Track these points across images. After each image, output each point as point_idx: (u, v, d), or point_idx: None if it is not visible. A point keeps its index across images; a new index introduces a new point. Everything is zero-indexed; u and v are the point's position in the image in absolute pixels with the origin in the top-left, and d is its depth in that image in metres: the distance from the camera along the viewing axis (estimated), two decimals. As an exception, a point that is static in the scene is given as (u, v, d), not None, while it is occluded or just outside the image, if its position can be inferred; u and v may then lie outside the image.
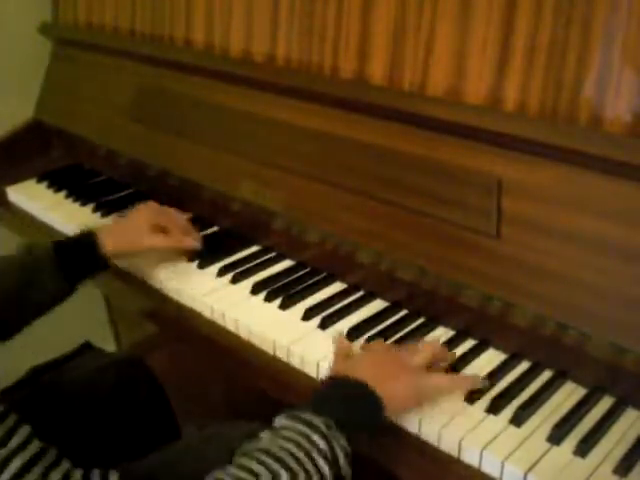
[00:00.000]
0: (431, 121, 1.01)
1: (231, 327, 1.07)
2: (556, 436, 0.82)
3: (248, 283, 1.14)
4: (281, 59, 1.24)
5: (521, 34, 0.93)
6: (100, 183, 1.59)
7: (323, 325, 1.03)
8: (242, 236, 1.29)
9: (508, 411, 0.86)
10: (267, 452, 0.73)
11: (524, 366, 0.95)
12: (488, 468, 0.81)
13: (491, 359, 0.97)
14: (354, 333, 1.01)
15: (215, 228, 1.35)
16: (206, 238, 1.30)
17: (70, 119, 1.63)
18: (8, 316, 1.04)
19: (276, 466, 0.71)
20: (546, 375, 0.94)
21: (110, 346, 2.06)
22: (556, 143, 0.89)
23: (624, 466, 0.78)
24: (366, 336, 1.00)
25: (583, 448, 0.81)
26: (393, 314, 1.06)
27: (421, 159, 1.02)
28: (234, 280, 1.15)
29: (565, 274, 0.88)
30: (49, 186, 1.56)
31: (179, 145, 1.38)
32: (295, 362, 0.98)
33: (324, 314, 1.05)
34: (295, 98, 1.19)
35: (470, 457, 0.82)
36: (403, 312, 1.07)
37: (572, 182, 0.89)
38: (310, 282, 1.14)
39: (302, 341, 1.00)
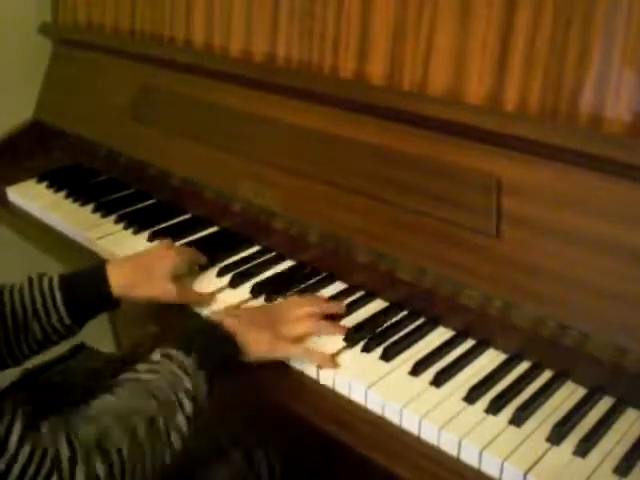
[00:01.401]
0: (431, 121, 1.01)
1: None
2: (556, 436, 0.82)
3: (248, 284, 1.14)
4: (281, 59, 1.24)
5: (521, 34, 0.93)
6: (100, 183, 1.59)
7: (323, 325, 1.03)
8: (242, 236, 1.29)
9: (508, 411, 0.86)
10: (139, 381, 0.84)
11: (524, 366, 0.95)
12: (488, 468, 0.81)
13: (491, 359, 0.97)
14: (354, 333, 1.01)
15: (215, 228, 1.35)
16: (206, 238, 1.31)
17: (70, 119, 1.63)
18: (8, 347, 0.99)
19: (145, 397, 0.82)
20: (546, 375, 0.94)
21: (109, 346, 2.06)
22: (556, 143, 0.89)
23: (624, 466, 0.78)
24: (366, 337, 1.00)
25: (583, 448, 0.81)
26: (393, 314, 1.06)
27: (421, 159, 1.02)
28: (233, 281, 1.15)
29: (565, 274, 0.88)
30: (49, 186, 1.56)
31: (179, 145, 1.38)
32: (296, 363, 0.98)
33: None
34: (295, 98, 1.19)
35: (470, 457, 0.82)
36: (403, 312, 1.07)
37: (572, 182, 0.89)
38: (310, 282, 1.14)
39: (301, 341, 1.00)
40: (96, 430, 0.78)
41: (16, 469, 0.71)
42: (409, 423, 0.87)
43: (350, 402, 0.92)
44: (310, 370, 0.96)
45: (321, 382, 0.95)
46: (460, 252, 0.97)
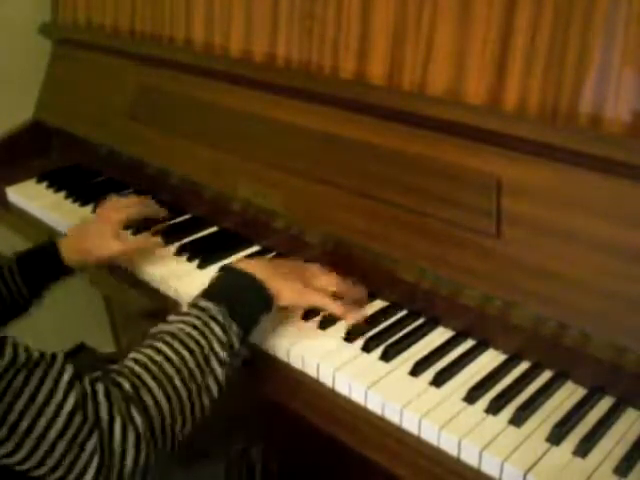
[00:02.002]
0: (431, 121, 1.01)
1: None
2: (556, 436, 0.82)
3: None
4: (281, 59, 1.24)
5: (521, 34, 0.93)
6: (100, 183, 1.59)
7: (323, 325, 1.03)
8: (242, 236, 1.29)
9: (508, 411, 0.86)
10: (171, 334, 0.86)
11: (524, 366, 0.95)
12: (488, 468, 0.81)
13: (491, 359, 0.97)
14: (354, 333, 1.01)
15: (215, 228, 1.35)
16: (206, 238, 1.31)
17: (70, 119, 1.63)
18: None
19: (178, 347, 0.84)
20: (546, 375, 0.94)
21: (109, 346, 2.06)
22: (556, 143, 0.89)
23: (624, 466, 0.78)
24: (366, 337, 1.00)
25: (583, 448, 0.81)
26: (393, 314, 1.06)
27: (421, 159, 1.02)
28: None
29: (565, 274, 0.88)
30: (49, 186, 1.56)
31: (179, 145, 1.38)
32: (296, 363, 0.98)
33: (324, 314, 1.05)
34: (295, 98, 1.19)
35: (470, 457, 0.82)
36: (403, 312, 1.07)
37: (572, 182, 0.89)
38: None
39: (302, 341, 1.00)
40: (132, 384, 0.80)
41: (59, 422, 0.73)
42: (409, 423, 0.87)
43: (350, 402, 0.92)
44: (310, 369, 0.96)
45: (321, 381, 0.95)
46: (460, 252, 0.97)
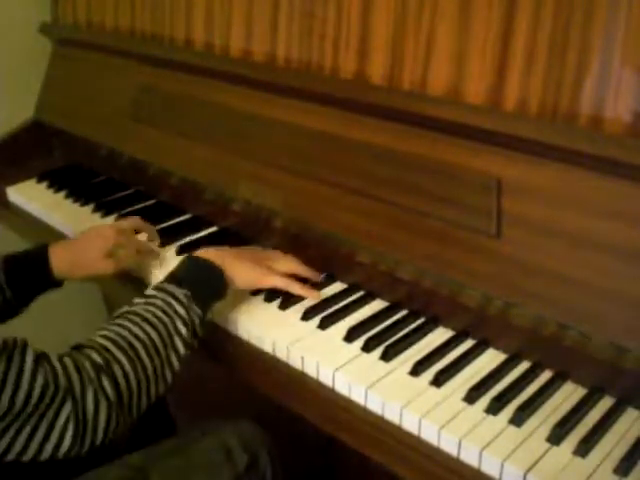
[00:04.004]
0: (431, 121, 1.01)
1: (231, 328, 1.06)
2: (556, 436, 0.82)
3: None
4: (281, 59, 1.24)
5: (521, 34, 0.93)
6: (100, 183, 1.59)
7: (322, 325, 1.03)
8: (242, 236, 1.29)
9: (508, 411, 0.86)
10: (137, 314, 0.91)
11: (524, 366, 0.95)
12: (488, 468, 0.81)
13: (491, 359, 0.97)
14: (354, 333, 1.01)
15: (215, 228, 1.35)
16: (206, 238, 1.30)
17: (70, 119, 1.63)
18: None
19: (144, 324, 0.90)
20: (546, 375, 0.94)
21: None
22: (556, 143, 0.89)
23: (624, 466, 0.78)
24: (366, 336, 1.00)
25: (583, 448, 0.81)
26: (393, 314, 1.06)
27: (421, 159, 1.02)
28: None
29: (565, 274, 0.88)
30: (49, 186, 1.56)
31: (179, 145, 1.38)
32: (296, 363, 0.98)
33: (324, 314, 1.05)
34: (295, 98, 1.19)
35: (470, 457, 0.82)
36: (403, 312, 1.07)
37: (572, 182, 0.89)
38: (310, 282, 1.14)
39: (302, 341, 1.00)
40: (102, 357, 0.84)
41: (34, 398, 0.76)
42: (409, 423, 0.87)
43: (350, 402, 0.92)
44: (310, 370, 0.96)
45: (321, 382, 0.95)
46: (460, 252, 0.97)
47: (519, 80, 0.94)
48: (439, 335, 1.02)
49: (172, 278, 0.98)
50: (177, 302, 0.94)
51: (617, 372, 0.87)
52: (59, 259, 1.11)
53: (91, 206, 1.45)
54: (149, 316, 0.91)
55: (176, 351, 0.91)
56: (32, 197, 1.52)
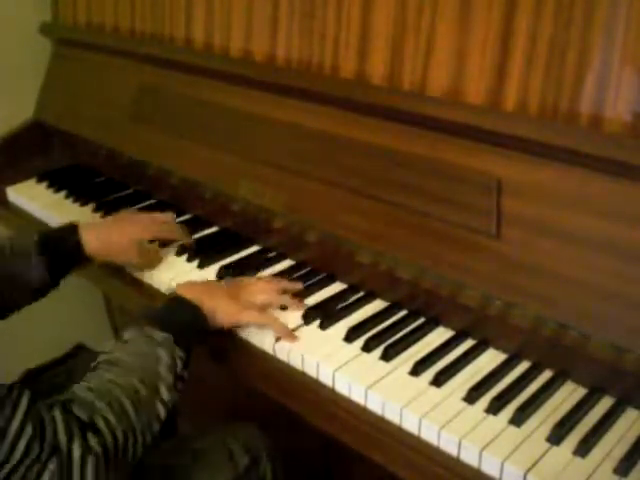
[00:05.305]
0: (431, 121, 1.01)
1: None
2: (556, 436, 0.82)
3: (248, 283, 1.14)
4: (281, 59, 1.24)
5: (521, 34, 0.93)
6: (100, 183, 1.59)
7: (322, 325, 1.03)
8: (242, 236, 1.29)
9: (508, 411, 0.86)
10: (121, 363, 0.87)
11: (524, 366, 0.95)
12: (488, 468, 0.81)
13: (491, 359, 0.97)
14: (354, 333, 1.01)
15: (215, 228, 1.35)
16: (206, 238, 1.30)
17: (70, 119, 1.63)
18: None
19: (128, 376, 0.86)
20: (546, 375, 0.94)
21: (110, 346, 2.06)
22: (556, 143, 0.89)
23: (624, 466, 0.78)
24: (366, 336, 1.00)
25: (583, 448, 0.81)
26: (393, 314, 1.06)
27: (421, 159, 1.02)
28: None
29: (565, 274, 0.88)
30: (49, 186, 1.56)
31: (179, 145, 1.38)
32: (296, 363, 0.98)
33: (324, 314, 1.05)
34: (295, 98, 1.19)
35: (470, 457, 0.82)
36: (403, 312, 1.07)
37: (572, 182, 0.89)
38: (310, 282, 1.14)
39: (301, 341, 1.00)
40: (87, 413, 0.81)
41: (17, 453, 0.73)
42: (409, 423, 0.87)
43: (350, 402, 0.92)
44: (310, 370, 0.96)
45: (321, 382, 0.95)
46: (460, 252, 0.97)
47: (519, 80, 0.94)
48: (439, 335, 1.02)
49: (152, 319, 0.95)
50: (160, 347, 0.90)
51: (617, 372, 0.87)
52: (91, 238, 1.12)
53: (91, 206, 1.45)
54: (132, 364, 0.88)
55: (161, 399, 0.88)
56: (32, 197, 1.52)
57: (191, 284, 1.05)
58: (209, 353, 1.07)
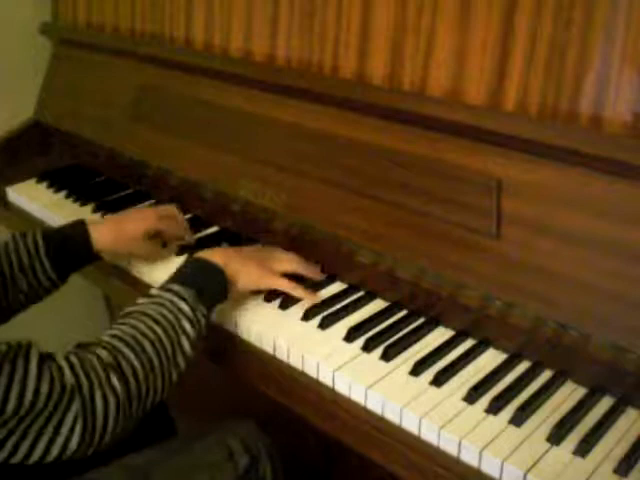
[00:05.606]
0: (431, 121, 1.01)
1: (231, 328, 1.06)
2: (556, 436, 0.82)
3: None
4: (281, 59, 1.24)
5: (521, 34, 0.93)
6: (100, 183, 1.59)
7: (323, 325, 1.03)
8: (242, 236, 1.29)
9: (508, 411, 0.86)
10: (143, 312, 0.91)
11: (524, 366, 0.95)
12: (488, 468, 0.81)
13: (491, 359, 0.97)
14: (354, 333, 1.01)
15: (215, 228, 1.35)
16: (206, 238, 1.30)
17: (70, 119, 1.63)
18: None
19: (151, 323, 0.90)
20: (546, 375, 0.94)
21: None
22: (556, 143, 0.89)
23: (624, 466, 0.78)
24: (366, 336, 1.00)
25: (583, 448, 0.81)
26: (393, 314, 1.06)
27: (421, 159, 1.02)
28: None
29: (565, 274, 0.88)
30: (49, 186, 1.56)
31: (179, 145, 1.38)
32: (296, 363, 0.98)
33: (324, 314, 1.05)
34: (295, 98, 1.19)
35: (470, 457, 0.82)
36: (403, 312, 1.07)
37: (572, 182, 0.89)
38: (310, 282, 1.14)
39: (302, 341, 1.00)
40: (110, 354, 0.84)
41: (41, 398, 0.76)
42: (409, 423, 0.87)
43: (350, 402, 0.92)
44: (310, 370, 0.96)
45: (321, 382, 0.95)
46: (460, 252, 0.97)
47: (519, 80, 0.94)
48: (439, 335, 1.02)
49: (177, 278, 0.98)
50: (183, 301, 0.93)
51: (617, 372, 0.87)
52: (101, 233, 1.13)
53: (91, 206, 1.45)
54: (156, 314, 0.91)
55: (182, 350, 0.91)
56: (32, 197, 1.52)
57: (217, 249, 1.09)
58: (208, 353, 1.07)
